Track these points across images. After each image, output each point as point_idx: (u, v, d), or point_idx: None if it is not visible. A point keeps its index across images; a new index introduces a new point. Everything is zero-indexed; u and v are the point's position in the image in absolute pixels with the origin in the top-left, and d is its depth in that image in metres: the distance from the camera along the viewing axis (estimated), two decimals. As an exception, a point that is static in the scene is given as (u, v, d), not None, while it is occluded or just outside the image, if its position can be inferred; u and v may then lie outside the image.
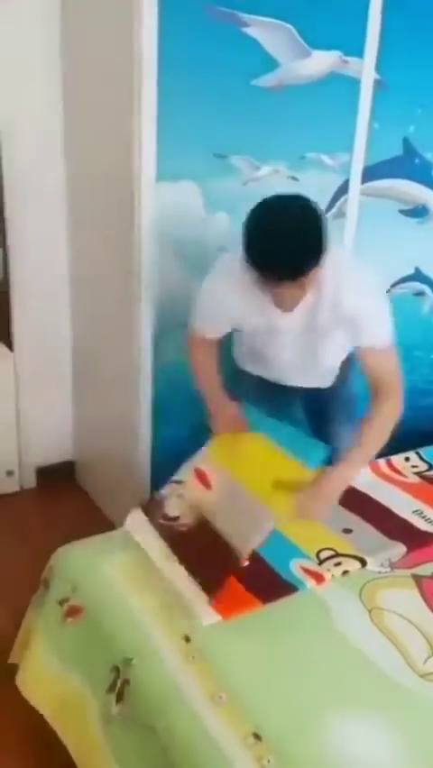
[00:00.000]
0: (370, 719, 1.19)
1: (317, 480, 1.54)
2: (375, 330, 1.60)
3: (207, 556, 1.47)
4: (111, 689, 1.36)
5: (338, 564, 1.56)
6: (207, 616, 1.38)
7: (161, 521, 1.60)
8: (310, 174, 2.23)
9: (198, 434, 2.34)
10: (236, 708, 1.20)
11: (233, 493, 1.57)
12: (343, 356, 1.77)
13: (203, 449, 1.73)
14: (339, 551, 1.60)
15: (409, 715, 1.21)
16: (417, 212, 2.52)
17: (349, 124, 2.25)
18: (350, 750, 1.14)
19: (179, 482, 1.67)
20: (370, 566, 1.57)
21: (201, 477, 1.66)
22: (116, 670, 1.36)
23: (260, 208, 1.44)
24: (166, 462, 2.30)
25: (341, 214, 2.34)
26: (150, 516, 1.62)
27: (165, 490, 1.67)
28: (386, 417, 1.60)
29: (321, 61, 2.09)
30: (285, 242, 1.39)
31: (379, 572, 1.56)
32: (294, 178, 2.21)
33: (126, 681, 1.33)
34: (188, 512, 1.59)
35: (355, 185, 2.33)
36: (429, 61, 2.31)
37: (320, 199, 2.27)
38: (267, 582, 1.49)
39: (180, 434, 2.32)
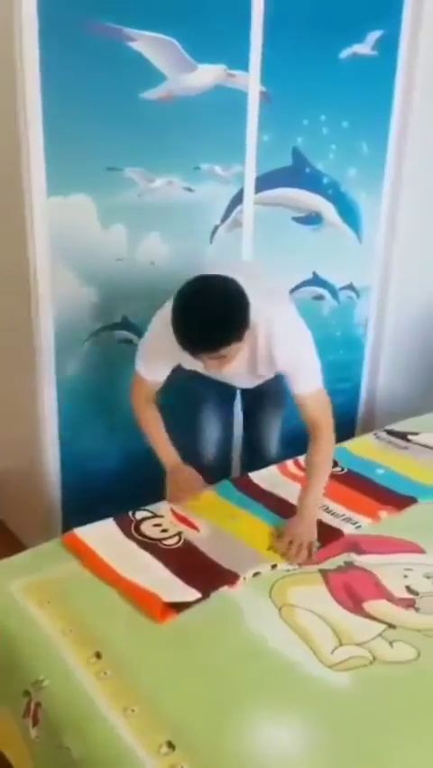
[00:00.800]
0: (283, 716, 1.22)
1: (292, 531, 1.69)
2: (307, 378, 1.76)
3: (197, 571, 1.57)
4: (26, 713, 1.33)
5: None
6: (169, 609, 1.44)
7: (139, 537, 1.70)
8: (205, 185, 2.27)
9: (108, 448, 2.34)
10: (150, 720, 1.20)
11: (225, 538, 1.71)
12: None
13: None
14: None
15: (321, 706, 1.24)
16: (310, 219, 2.61)
17: (239, 136, 2.30)
18: (264, 748, 1.15)
19: (154, 515, 1.81)
20: (280, 566, 1.60)
21: (181, 519, 1.80)
22: (28, 694, 1.33)
23: (183, 294, 1.56)
24: (77, 478, 2.29)
25: (237, 224, 2.39)
26: (123, 530, 1.73)
27: (138, 516, 1.79)
28: (326, 453, 1.80)
29: (207, 75, 2.13)
30: (203, 327, 1.53)
31: (288, 570, 1.60)
32: (189, 190, 2.24)
33: (38, 704, 1.30)
34: (169, 538, 1.71)
35: (249, 195, 2.39)
36: (313, 74, 2.40)
37: (216, 209, 2.33)
38: (207, 573, 1.55)
39: (90, 448, 2.31)
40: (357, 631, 1.40)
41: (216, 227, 2.35)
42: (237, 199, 2.37)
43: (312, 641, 1.37)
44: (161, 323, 1.72)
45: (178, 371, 1.88)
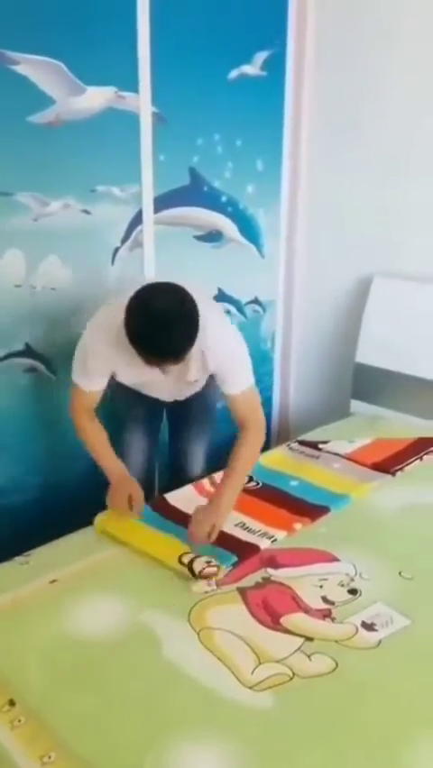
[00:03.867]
0: (206, 744, 1.19)
1: (210, 509, 1.77)
2: (239, 379, 1.82)
3: None
4: None
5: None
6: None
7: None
8: (102, 207, 2.25)
9: (18, 482, 2.26)
10: (68, 765, 1.15)
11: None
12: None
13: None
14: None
15: (243, 729, 1.22)
16: (211, 237, 2.63)
17: (134, 157, 2.30)
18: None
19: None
20: (195, 587, 1.59)
21: None
22: None
23: (140, 307, 1.57)
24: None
25: (138, 244, 2.38)
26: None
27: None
28: (252, 446, 1.85)
29: (97, 97, 2.12)
30: (168, 338, 1.56)
31: (206, 592, 1.58)
32: (87, 212, 2.21)
33: None
34: None
35: (149, 215, 2.38)
36: (204, 94, 2.43)
37: (115, 230, 2.31)
38: None
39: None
40: (276, 648, 1.40)
41: (117, 248, 2.34)
42: (137, 220, 2.36)
43: (232, 663, 1.36)
44: (98, 331, 1.77)
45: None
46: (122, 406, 2.08)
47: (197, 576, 1.61)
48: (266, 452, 2.38)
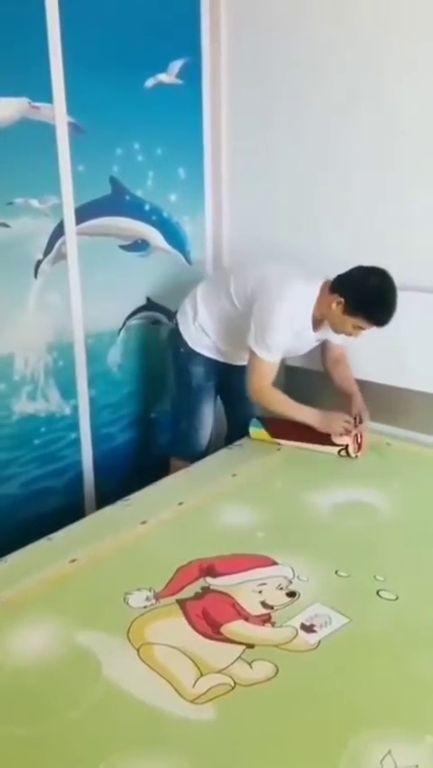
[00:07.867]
0: (151, 764, 1.17)
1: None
2: None
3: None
4: None
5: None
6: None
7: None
8: (22, 219, 2.20)
9: None
10: (4, 800, 1.11)
11: None
12: None
13: None
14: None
15: (187, 745, 1.20)
16: (137, 246, 2.61)
17: (52, 168, 2.26)
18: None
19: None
20: (133, 602, 1.56)
21: None
22: None
23: (378, 279, 2.03)
24: None
25: (62, 256, 2.34)
26: None
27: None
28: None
29: (9, 107, 2.08)
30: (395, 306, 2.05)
31: (145, 607, 1.56)
32: (5, 225, 2.16)
33: None
34: None
35: (71, 226, 2.34)
36: (121, 104, 2.41)
37: (37, 243, 2.26)
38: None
39: None
40: (217, 658, 1.38)
41: (40, 261, 2.29)
42: (59, 231, 2.32)
43: (173, 677, 1.34)
44: (289, 313, 2.11)
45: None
46: (199, 378, 2.38)
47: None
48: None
